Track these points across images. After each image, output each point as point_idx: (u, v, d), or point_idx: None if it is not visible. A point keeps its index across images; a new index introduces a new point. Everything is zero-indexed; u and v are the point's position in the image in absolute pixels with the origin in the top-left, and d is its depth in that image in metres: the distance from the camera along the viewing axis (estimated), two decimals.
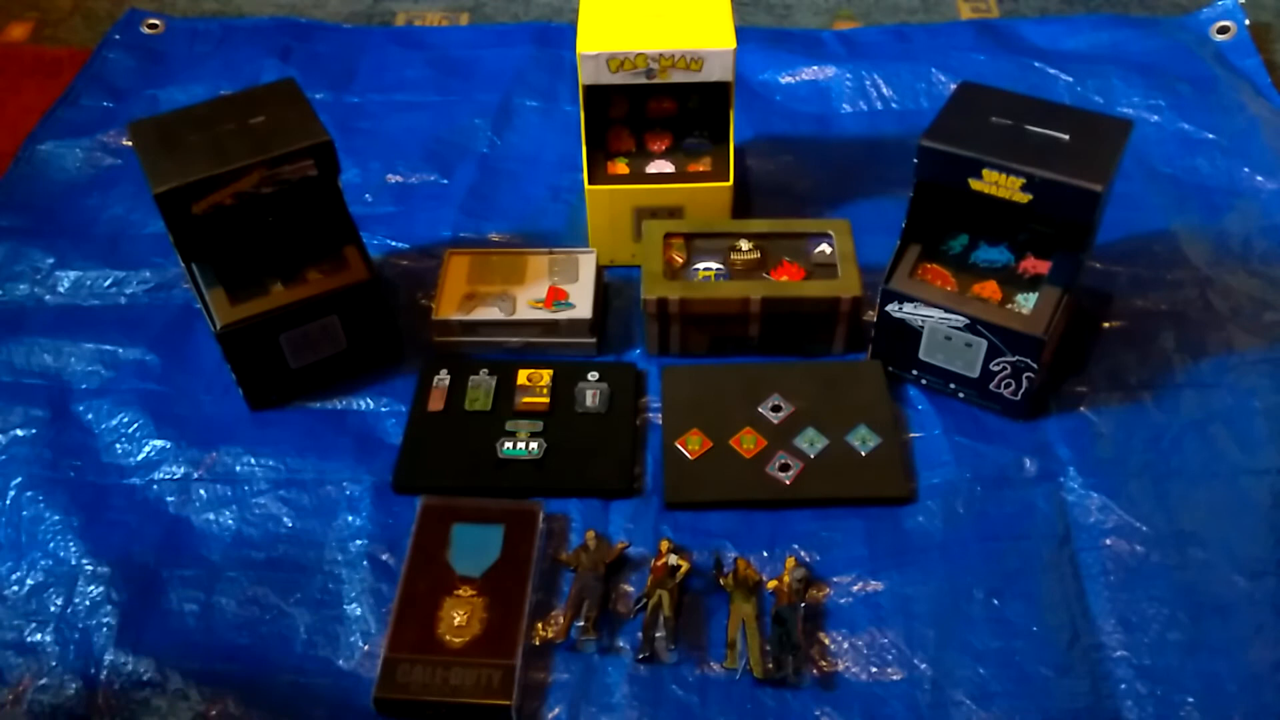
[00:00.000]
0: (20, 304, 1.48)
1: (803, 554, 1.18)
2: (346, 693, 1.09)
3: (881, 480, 1.23)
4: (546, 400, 1.32)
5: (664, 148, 1.48)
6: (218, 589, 1.17)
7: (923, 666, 1.09)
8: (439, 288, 1.40)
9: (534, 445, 1.27)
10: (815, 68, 1.82)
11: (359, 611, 1.15)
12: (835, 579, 1.16)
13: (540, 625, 1.13)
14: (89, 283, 1.50)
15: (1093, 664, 1.09)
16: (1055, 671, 1.08)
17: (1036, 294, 1.25)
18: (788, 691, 1.07)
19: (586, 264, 1.43)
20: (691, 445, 1.27)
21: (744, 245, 1.39)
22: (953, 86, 1.29)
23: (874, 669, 1.09)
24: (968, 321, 1.24)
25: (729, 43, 1.33)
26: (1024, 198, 1.15)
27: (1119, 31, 1.87)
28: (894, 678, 1.08)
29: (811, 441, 1.27)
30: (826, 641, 1.11)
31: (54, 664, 1.11)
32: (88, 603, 1.16)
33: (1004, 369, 1.25)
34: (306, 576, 1.18)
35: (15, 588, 1.17)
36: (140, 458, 1.29)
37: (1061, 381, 1.33)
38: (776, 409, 1.30)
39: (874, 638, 1.11)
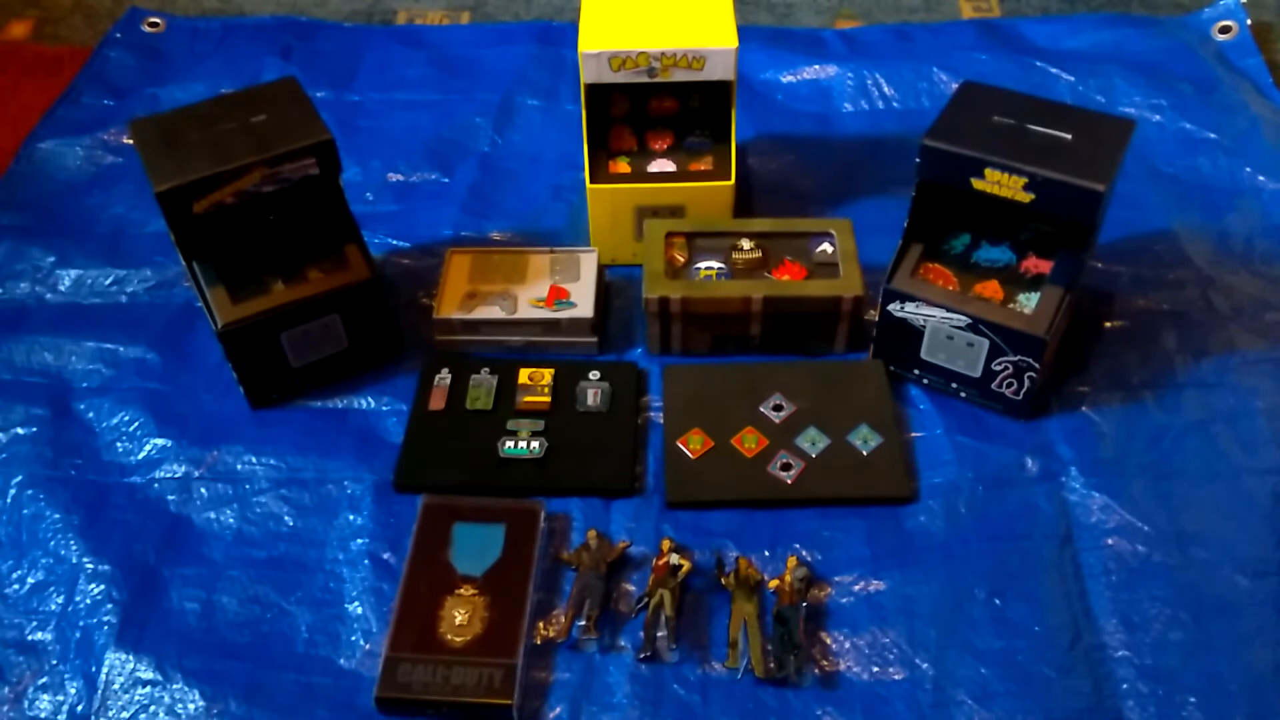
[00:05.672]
0: (21, 302, 1.48)
1: (804, 553, 1.18)
2: (348, 692, 1.09)
3: (883, 480, 1.23)
4: (548, 399, 1.31)
5: (665, 146, 1.48)
6: (219, 588, 1.17)
7: (924, 666, 1.09)
8: (440, 286, 1.40)
9: (535, 444, 1.26)
10: (817, 67, 1.82)
11: (360, 610, 1.15)
12: (837, 578, 1.16)
13: (542, 624, 1.13)
14: (90, 281, 1.50)
15: (1094, 664, 1.08)
16: (1057, 671, 1.08)
17: (1038, 294, 1.24)
18: (789, 691, 1.07)
19: (588, 263, 1.43)
20: (693, 444, 1.26)
21: (745, 244, 1.39)
22: (954, 86, 1.29)
23: (876, 668, 1.09)
24: (970, 321, 1.24)
25: (731, 41, 1.33)
26: (1026, 197, 1.15)
27: (1120, 31, 1.87)
28: (896, 677, 1.08)
29: (813, 441, 1.26)
30: (828, 641, 1.11)
31: (55, 662, 1.11)
32: (88, 601, 1.16)
33: (1006, 369, 1.25)
34: (308, 575, 1.18)
35: (16, 586, 1.17)
36: (141, 456, 1.29)
37: (1063, 381, 1.33)
38: (778, 408, 1.30)
39: (876, 637, 1.11)
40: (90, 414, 1.33)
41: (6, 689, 1.09)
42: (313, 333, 1.30)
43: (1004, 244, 1.31)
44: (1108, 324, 1.40)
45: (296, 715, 1.07)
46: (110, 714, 1.07)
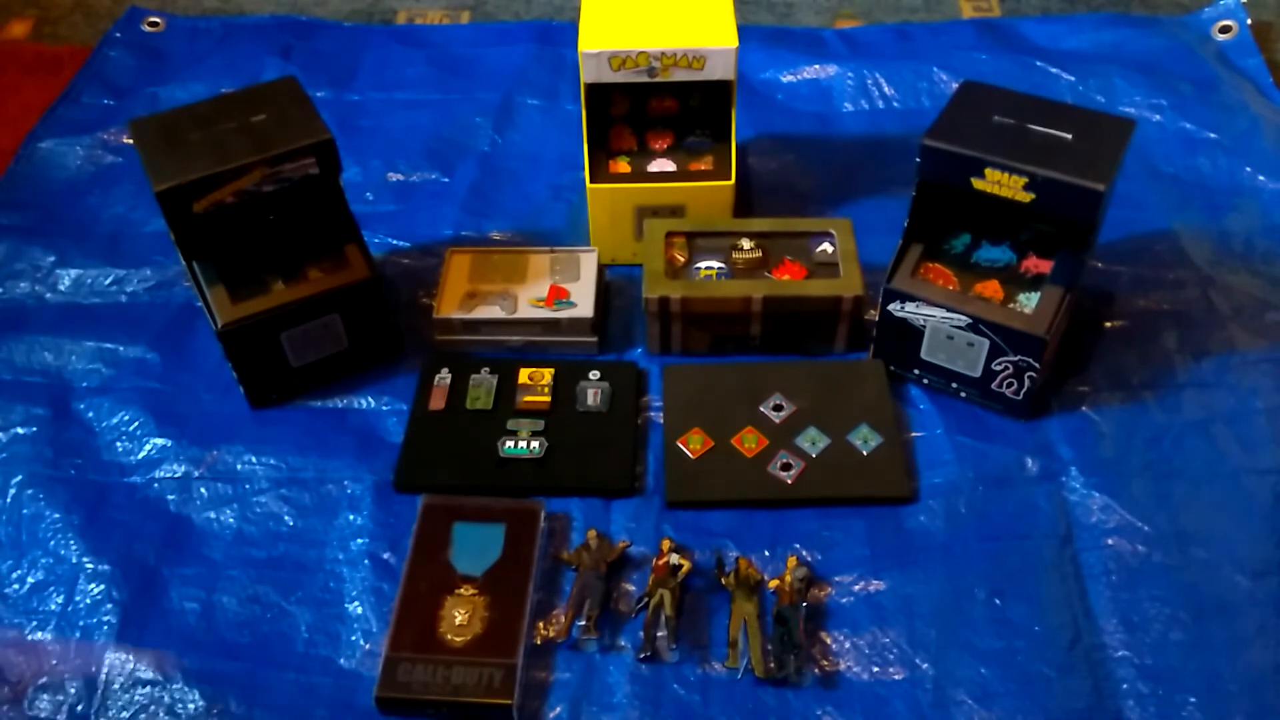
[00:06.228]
0: (21, 302, 1.48)
1: (804, 553, 1.18)
2: (348, 691, 1.09)
3: (883, 480, 1.23)
4: (548, 399, 1.31)
5: (665, 146, 1.48)
6: (219, 587, 1.17)
7: (924, 666, 1.09)
8: (440, 286, 1.40)
9: (535, 444, 1.26)
10: (817, 66, 1.82)
11: (360, 610, 1.15)
12: (837, 578, 1.16)
13: (542, 624, 1.13)
14: (90, 281, 1.50)
15: (1094, 664, 1.08)
16: (1057, 671, 1.08)
17: (1039, 293, 1.24)
18: (789, 691, 1.07)
19: (588, 263, 1.43)
20: (693, 444, 1.26)
21: (745, 244, 1.39)
22: (954, 86, 1.29)
23: (876, 668, 1.09)
24: (970, 321, 1.24)
25: (731, 41, 1.33)
26: (1026, 197, 1.15)
27: (1121, 31, 1.87)
28: (896, 677, 1.08)
29: (813, 441, 1.26)
30: (828, 641, 1.11)
31: (55, 662, 1.11)
32: (88, 601, 1.15)
33: (1006, 368, 1.25)
34: (308, 575, 1.18)
35: (16, 586, 1.17)
36: (141, 456, 1.29)
37: (1063, 381, 1.33)
38: (778, 408, 1.30)
39: (876, 637, 1.11)
40: (90, 414, 1.33)
41: (6, 689, 1.09)
42: (313, 332, 1.30)
43: (1004, 244, 1.31)
44: (1108, 324, 1.40)
45: (296, 715, 1.07)
46: (110, 714, 1.07)
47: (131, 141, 1.28)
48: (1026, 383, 1.25)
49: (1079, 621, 1.12)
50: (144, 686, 1.09)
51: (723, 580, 1.14)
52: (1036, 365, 1.23)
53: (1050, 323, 1.21)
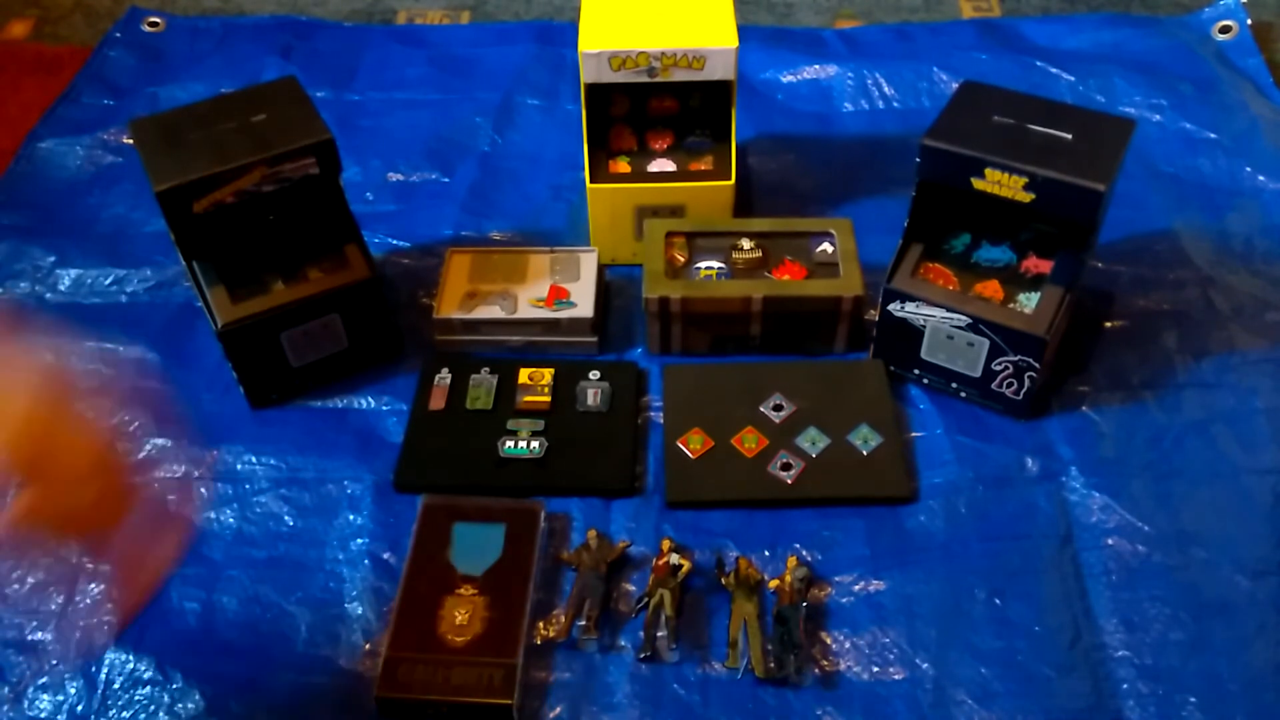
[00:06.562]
0: (21, 302, 1.48)
1: (804, 553, 1.18)
2: (348, 692, 1.08)
3: (883, 480, 1.23)
4: (548, 399, 1.31)
5: (665, 146, 1.48)
6: (219, 588, 1.17)
7: (924, 666, 1.09)
8: (440, 286, 1.40)
9: (535, 444, 1.26)
10: (817, 66, 1.82)
11: (360, 610, 1.15)
12: (837, 578, 1.16)
13: (541, 624, 1.13)
14: (90, 281, 1.50)
15: (1094, 664, 1.08)
16: (1057, 671, 1.08)
17: (1039, 293, 1.24)
18: (789, 691, 1.07)
19: (588, 263, 1.43)
20: (693, 444, 1.26)
21: (745, 244, 1.39)
22: (954, 85, 1.29)
23: (876, 668, 1.09)
24: (970, 321, 1.24)
25: (731, 41, 1.33)
26: (1026, 197, 1.15)
27: (1121, 31, 1.87)
28: (896, 677, 1.08)
29: (813, 441, 1.26)
30: (828, 641, 1.11)
31: (54, 662, 1.11)
32: (89, 601, 1.15)
33: (1006, 368, 1.25)
34: (308, 575, 1.18)
35: (16, 585, 1.17)
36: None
37: (1063, 381, 1.33)
38: (778, 408, 1.30)
39: (876, 637, 1.11)
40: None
41: (6, 689, 1.09)
42: (313, 332, 1.30)
43: (1004, 244, 1.31)
44: (1108, 324, 1.40)
45: (296, 715, 1.07)
46: (110, 714, 1.07)
47: (131, 141, 1.28)
48: (1026, 383, 1.25)
49: (1079, 621, 1.12)
50: (144, 686, 1.09)
51: (723, 580, 1.14)
52: (1036, 365, 1.23)
53: (1050, 323, 1.21)
